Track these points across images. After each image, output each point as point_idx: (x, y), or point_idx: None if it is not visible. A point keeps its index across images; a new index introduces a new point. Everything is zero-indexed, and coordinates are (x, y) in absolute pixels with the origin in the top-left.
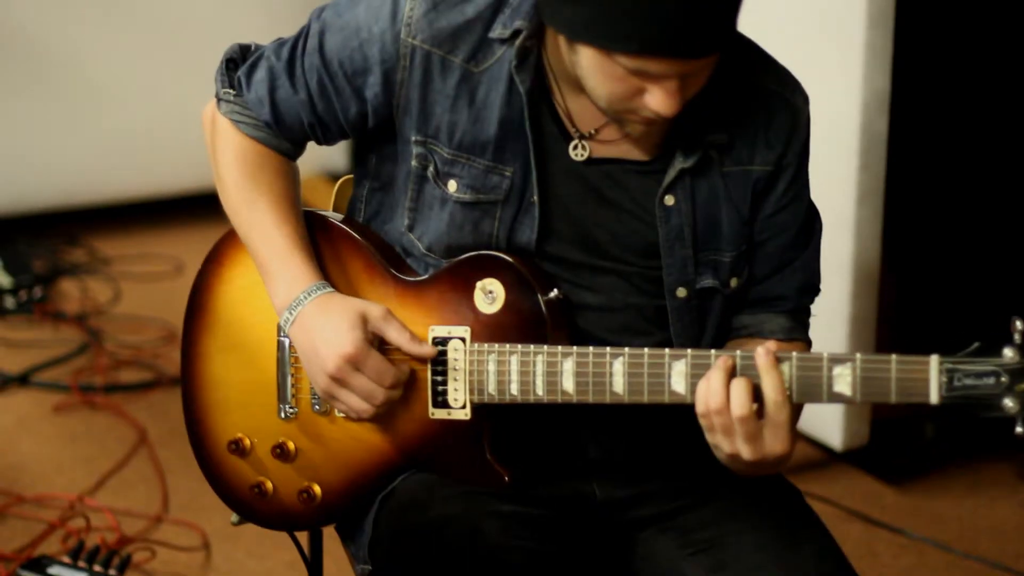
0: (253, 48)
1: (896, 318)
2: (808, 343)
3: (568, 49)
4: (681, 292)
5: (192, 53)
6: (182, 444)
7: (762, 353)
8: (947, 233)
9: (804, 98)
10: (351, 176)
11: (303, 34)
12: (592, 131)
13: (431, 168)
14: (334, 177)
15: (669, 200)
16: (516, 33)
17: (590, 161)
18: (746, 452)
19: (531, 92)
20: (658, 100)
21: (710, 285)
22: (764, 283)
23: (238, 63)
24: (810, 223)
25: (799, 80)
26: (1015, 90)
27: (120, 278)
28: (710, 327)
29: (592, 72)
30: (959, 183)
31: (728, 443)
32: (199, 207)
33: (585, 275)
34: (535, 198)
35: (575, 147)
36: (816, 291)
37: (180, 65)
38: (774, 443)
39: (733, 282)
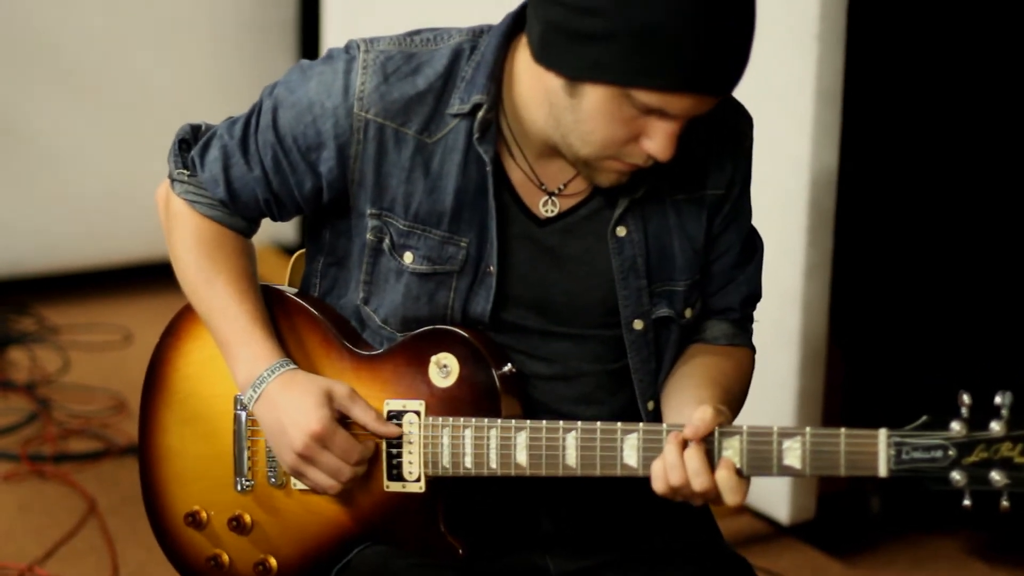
0: (204, 128)
1: (843, 392)
2: (752, 349)
3: (565, 94)
4: (638, 324)
5: (144, 123)
6: (132, 513)
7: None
8: (894, 308)
9: (748, 121)
10: (304, 251)
11: (255, 111)
12: (560, 188)
13: (387, 240)
14: (285, 249)
15: (621, 231)
16: (476, 107)
17: (557, 217)
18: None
19: (495, 162)
20: (657, 144)
21: (666, 315)
22: (711, 299)
23: (190, 143)
24: (752, 240)
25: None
26: (960, 169)
27: (69, 347)
28: (667, 360)
29: (594, 114)
30: (906, 259)
31: (693, 502)
32: (149, 277)
33: (538, 342)
34: (492, 268)
35: (544, 203)
36: (758, 299)
37: (131, 135)
38: (735, 497)
39: (688, 312)
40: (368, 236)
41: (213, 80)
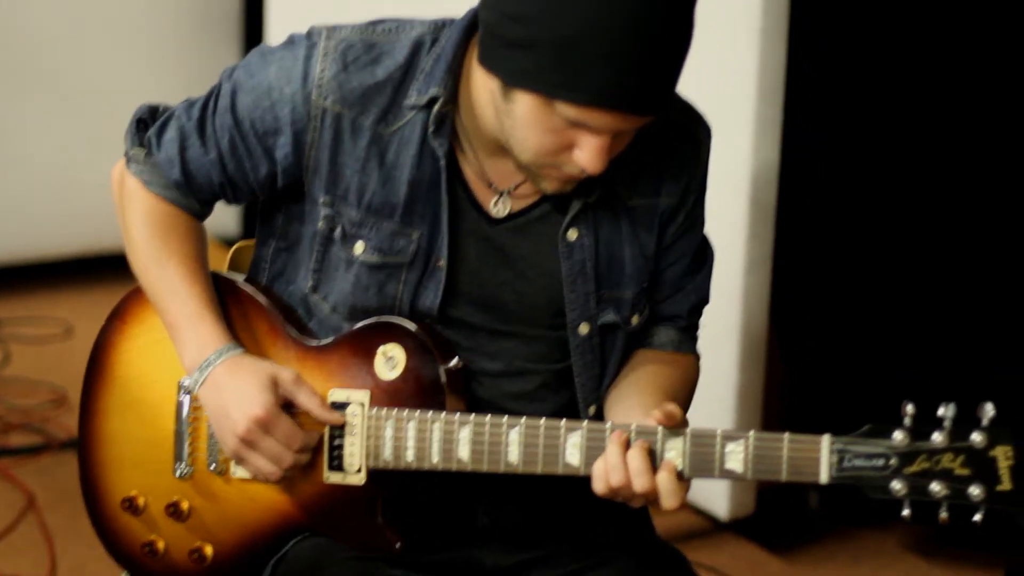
0: (162, 109)
1: (783, 388)
2: (696, 356)
3: (501, 98)
4: (584, 328)
5: (87, 115)
6: (71, 509)
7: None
8: (834, 304)
9: (707, 131)
10: (246, 242)
11: (214, 94)
12: (511, 188)
13: (338, 230)
14: (226, 241)
15: (572, 235)
16: (432, 100)
17: (508, 217)
18: (646, 506)
19: (449, 156)
20: (587, 156)
21: (612, 321)
22: (659, 305)
23: (148, 123)
24: (703, 249)
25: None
26: (903, 162)
27: (9, 340)
28: (611, 365)
29: (525, 122)
30: (847, 255)
31: (632, 504)
32: (91, 270)
33: (485, 340)
34: (442, 262)
35: (495, 203)
36: (705, 305)
37: (74, 127)
38: (673, 501)
39: (635, 320)
40: (320, 224)
41: (157, 73)
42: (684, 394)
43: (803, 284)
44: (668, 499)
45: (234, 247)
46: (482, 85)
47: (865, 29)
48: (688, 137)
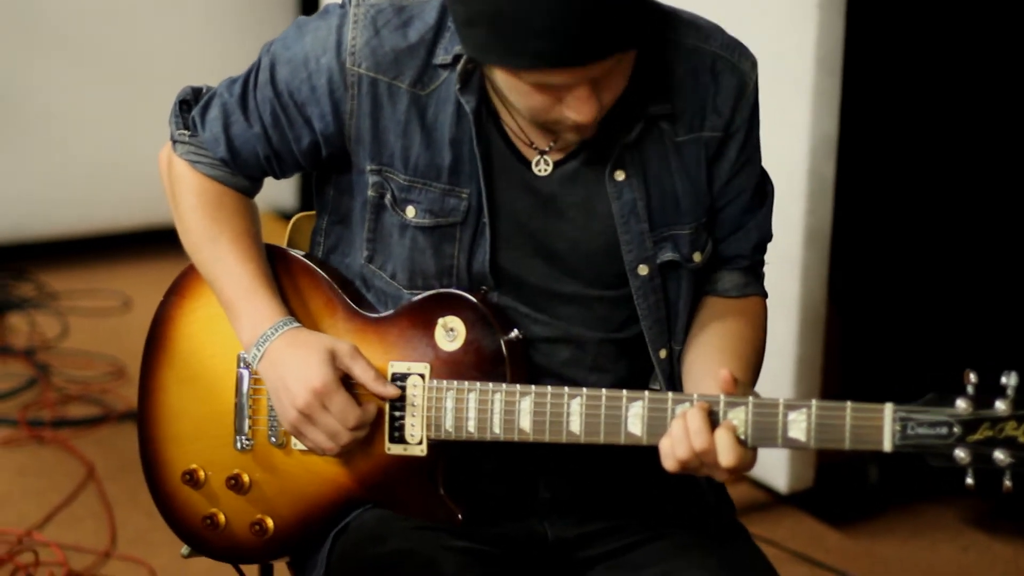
0: (205, 90)
1: (842, 359)
2: (764, 295)
3: (487, 71)
4: (643, 270)
5: (142, 89)
6: (131, 479)
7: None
8: (892, 276)
9: (752, 63)
10: (305, 214)
11: (254, 68)
12: (550, 145)
13: (388, 196)
14: (284, 215)
15: (619, 175)
16: (457, 57)
17: (554, 168)
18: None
19: (477, 112)
20: (574, 109)
21: (671, 258)
22: (721, 244)
23: (191, 104)
24: (763, 185)
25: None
26: (961, 134)
27: (68, 313)
28: (680, 307)
29: (507, 90)
30: (906, 227)
31: (699, 474)
32: (148, 242)
33: (544, 302)
34: (486, 219)
35: (538, 163)
36: (768, 242)
37: (130, 100)
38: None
39: (696, 256)
40: (369, 192)
41: (213, 44)
42: (755, 348)
43: (861, 256)
44: (724, 455)
45: (293, 219)
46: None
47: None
48: (731, 68)
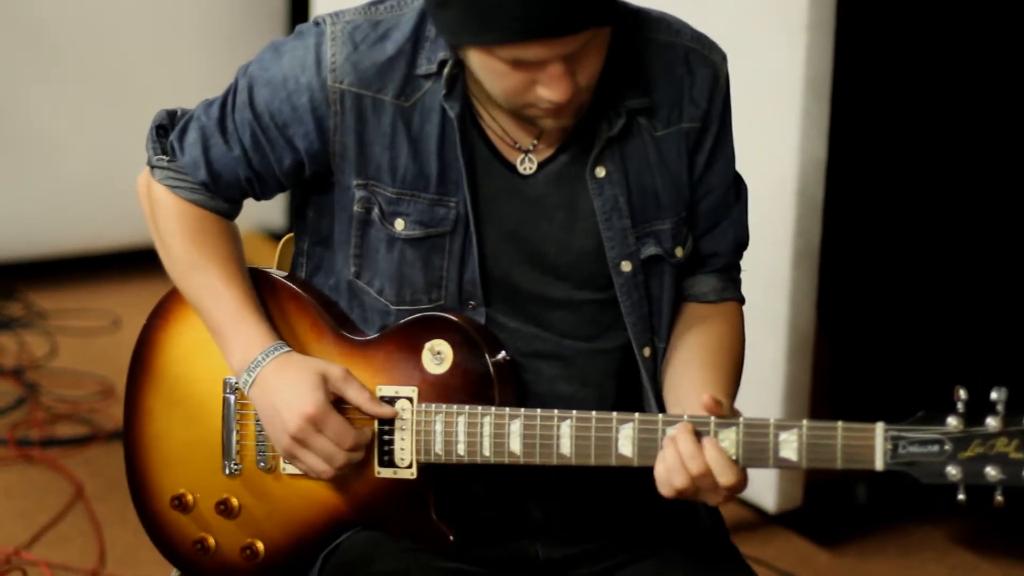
0: (180, 113)
1: (830, 381)
2: (740, 300)
3: (462, 55)
4: (626, 266)
5: (132, 108)
6: (119, 498)
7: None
8: (881, 297)
9: (722, 56)
10: (293, 235)
11: (231, 91)
12: (533, 144)
13: (375, 210)
14: (272, 234)
15: (600, 172)
16: (442, 64)
17: (538, 168)
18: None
19: (461, 118)
20: (548, 87)
21: (654, 253)
22: (698, 242)
23: (168, 129)
24: (736, 183)
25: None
26: (949, 157)
27: (57, 332)
28: (663, 304)
29: (483, 73)
30: (893, 248)
31: (699, 499)
32: (136, 262)
33: (535, 309)
34: (472, 227)
35: (522, 162)
36: (745, 247)
37: (120, 120)
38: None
39: (679, 251)
40: (356, 208)
41: (201, 66)
42: (732, 354)
43: (850, 277)
44: (723, 475)
45: (283, 240)
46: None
47: (912, 22)
48: (703, 61)
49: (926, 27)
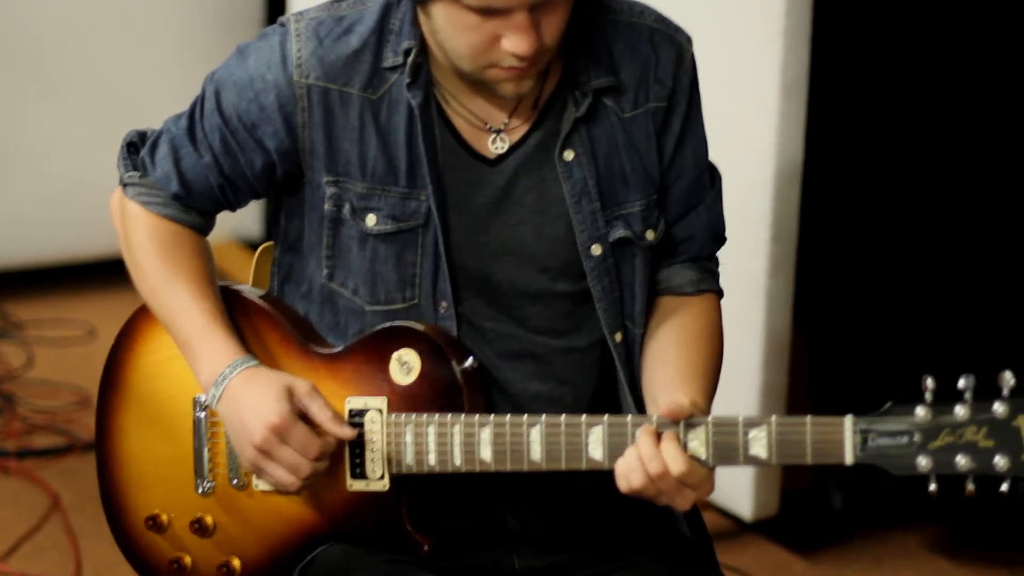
0: (149, 132)
1: (808, 387)
2: (719, 293)
3: (425, 20)
4: (596, 249)
5: (109, 117)
6: (96, 510)
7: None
8: (859, 303)
9: (687, 37)
10: (270, 244)
11: (199, 100)
12: (504, 123)
13: (347, 207)
14: (248, 243)
15: (568, 155)
16: (407, 53)
17: (508, 153)
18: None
19: (424, 106)
20: (513, 42)
21: (623, 235)
22: (672, 228)
23: (138, 147)
24: (711, 170)
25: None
26: (926, 161)
27: (33, 342)
28: (635, 288)
29: (448, 30)
30: (871, 253)
31: (659, 501)
32: (113, 272)
33: (510, 302)
34: (436, 219)
35: (494, 142)
36: (722, 239)
37: (96, 129)
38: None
39: (649, 234)
40: (326, 207)
41: (179, 74)
42: (710, 350)
43: (827, 284)
44: (674, 464)
45: (259, 249)
46: (423, 23)
47: (887, 28)
48: (667, 40)
49: (901, 32)
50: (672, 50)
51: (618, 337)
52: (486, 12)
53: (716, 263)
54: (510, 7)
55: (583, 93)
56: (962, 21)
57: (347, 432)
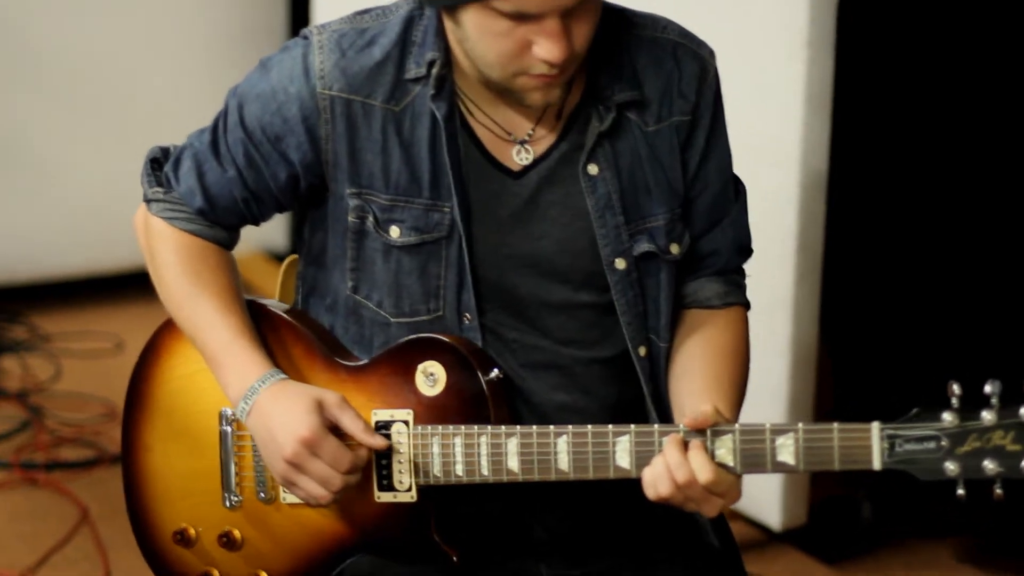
0: (172, 148)
1: (834, 399)
2: (746, 306)
3: (455, 27)
4: (620, 263)
5: (135, 130)
6: (124, 521)
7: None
8: (885, 314)
9: (710, 51)
10: (296, 257)
11: (222, 114)
12: (529, 133)
13: (370, 219)
14: (274, 255)
15: (592, 169)
16: (431, 65)
17: (532, 165)
18: (713, 510)
19: (448, 118)
20: (545, 47)
21: (647, 250)
22: (698, 242)
23: (161, 162)
24: (735, 181)
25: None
26: (951, 172)
27: (61, 355)
28: (661, 302)
29: (479, 37)
30: (897, 264)
31: (687, 507)
32: (140, 284)
33: (534, 314)
34: (460, 231)
35: (518, 153)
36: (748, 252)
37: (123, 142)
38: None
39: (674, 248)
40: (350, 219)
41: (204, 87)
42: (737, 362)
43: (853, 294)
44: (702, 472)
45: (286, 261)
46: (450, 32)
47: (912, 38)
48: (691, 55)
49: (925, 41)
50: (695, 64)
51: (642, 351)
52: (519, 17)
53: (743, 275)
54: (543, 12)
55: (607, 107)
56: (988, 31)
57: (380, 442)
